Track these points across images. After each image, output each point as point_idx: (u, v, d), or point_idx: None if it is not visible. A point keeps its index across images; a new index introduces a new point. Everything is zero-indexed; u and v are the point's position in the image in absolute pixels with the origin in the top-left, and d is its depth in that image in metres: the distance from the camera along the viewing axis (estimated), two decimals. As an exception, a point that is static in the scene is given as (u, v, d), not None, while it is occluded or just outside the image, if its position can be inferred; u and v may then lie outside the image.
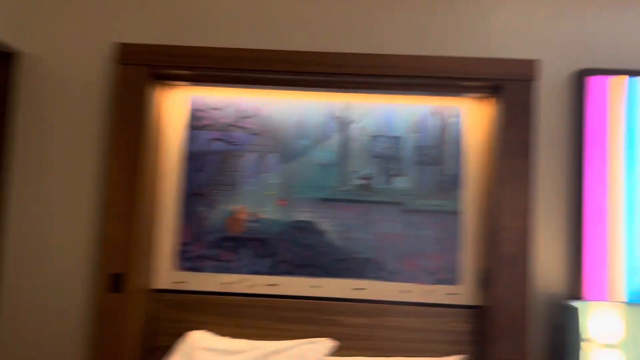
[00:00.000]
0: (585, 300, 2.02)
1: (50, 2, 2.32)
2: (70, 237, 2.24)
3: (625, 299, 2.01)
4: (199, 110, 2.33)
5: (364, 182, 2.24)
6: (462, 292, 2.17)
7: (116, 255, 2.11)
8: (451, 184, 2.23)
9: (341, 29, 2.26)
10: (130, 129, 2.17)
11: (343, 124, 2.27)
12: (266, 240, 2.22)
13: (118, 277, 2.09)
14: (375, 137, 2.25)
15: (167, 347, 2.14)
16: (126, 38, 2.25)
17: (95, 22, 2.30)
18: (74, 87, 2.29)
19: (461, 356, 2.07)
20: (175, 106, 2.35)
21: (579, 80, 2.14)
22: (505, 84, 2.09)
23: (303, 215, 2.22)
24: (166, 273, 2.28)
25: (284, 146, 2.26)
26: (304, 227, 2.22)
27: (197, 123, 2.32)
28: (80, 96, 2.30)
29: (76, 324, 2.20)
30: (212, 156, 2.31)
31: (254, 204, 2.25)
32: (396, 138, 2.26)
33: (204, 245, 2.27)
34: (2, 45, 2.18)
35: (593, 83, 2.11)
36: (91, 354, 2.13)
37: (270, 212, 2.22)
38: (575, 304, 1.95)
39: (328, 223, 2.22)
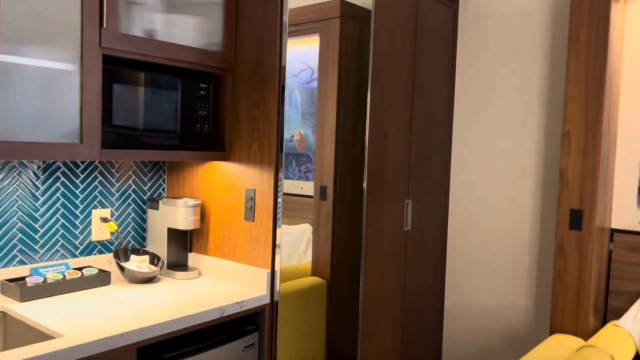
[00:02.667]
0: None
1: None
2: (520, 170, 2.25)
3: None
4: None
5: None
6: None
7: (576, 191, 1.96)
8: None
9: None
10: (589, 51, 1.92)
11: None
12: None
13: (577, 214, 1.94)
14: None
15: (626, 292, 1.93)
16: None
17: None
18: (511, 10, 2.24)
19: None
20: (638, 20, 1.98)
21: None
22: None
23: None
24: (628, 211, 2.03)
25: None
26: None
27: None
28: (521, 19, 2.22)
29: (531, 256, 2.22)
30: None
31: None
32: None
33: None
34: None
35: None
36: (547, 287, 2.10)
37: None
38: None
39: None
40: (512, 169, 2.42)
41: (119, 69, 1.62)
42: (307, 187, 2.71)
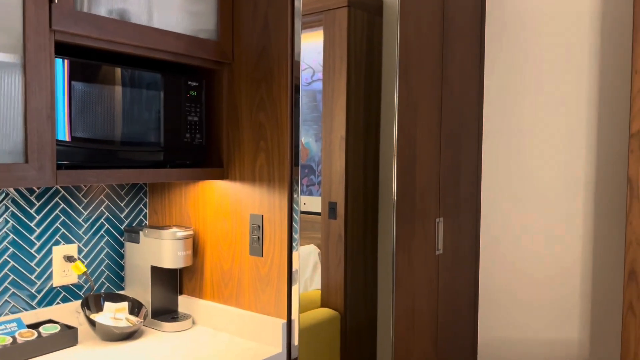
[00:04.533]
0: None
1: None
2: (566, 178, 1.90)
3: None
4: None
5: None
6: None
7: None
8: None
9: None
10: None
11: None
12: None
13: None
14: None
15: None
16: None
17: None
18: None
19: None
20: None
21: None
22: None
23: None
24: None
25: None
26: None
27: None
28: (562, 12, 1.89)
29: (583, 280, 1.85)
30: None
31: None
32: None
33: None
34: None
35: None
36: (605, 317, 1.73)
37: None
38: None
39: None
40: (555, 178, 2.06)
41: (80, 61, 1.21)
42: (311, 203, 2.34)
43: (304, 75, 2.38)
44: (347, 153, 2.10)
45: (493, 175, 2.24)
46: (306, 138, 2.37)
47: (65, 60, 1.18)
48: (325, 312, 2.14)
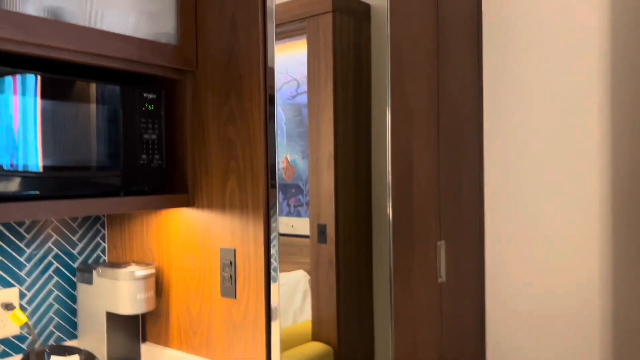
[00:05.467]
0: None
1: None
2: (573, 196, 1.70)
3: None
4: None
5: None
6: None
7: None
8: None
9: None
10: None
11: None
12: None
13: None
14: None
15: None
16: None
17: None
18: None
19: None
20: None
21: None
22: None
23: None
24: None
25: None
26: None
27: None
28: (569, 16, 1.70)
29: (603, 301, 1.64)
30: None
31: None
32: None
33: None
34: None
35: None
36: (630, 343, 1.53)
37: None
38: None
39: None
40: (567, 191, 1.85)
41: (6, 69, 1.00)
42: (299, 225, 2.14)
43: (288, 89, 2.19)
44: (337, 170, 1.90)
45: (497, 190, 2.03)
46: (292, 155, 2.17)
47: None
48: (316, 347, 1.92)
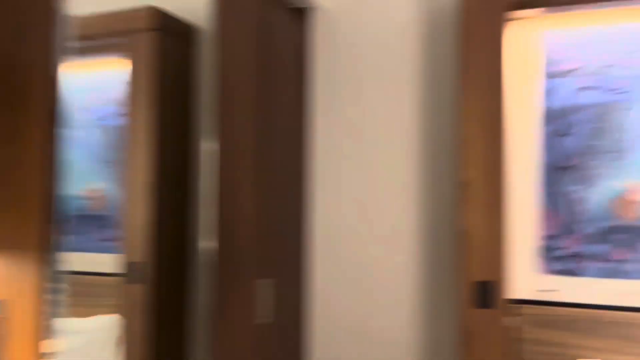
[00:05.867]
0: None
1: None
2: (392, 230, 1.79)
3: None
4: (558, 49, 1.74)
5: None
6: None
7: (480, 258, 1.56)
8: None
9: None
10: (481, 83, 1.59)
11: None
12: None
13: (485, 287, 1.53)
14: None
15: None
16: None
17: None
18: (380, 40, 1.84)
19: None
20: (522, 47, 1.77)
21: None
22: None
23: None
24: (528, 278, 1.71)
25: None
26: None
27: (556, 68, 1.72)
28: (390, 50, 1.83)
29: (408, 347, 1.74)
30: (583, 112, 1.70)
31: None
32: None
33: (579, 238, 1.67)
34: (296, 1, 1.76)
35: None
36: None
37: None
38: None
39: None
40: (382, 233, 1.91)
41: None
42: (108, 262, 1.92)
43: (103, 109, 1.98)
44: (155, 202, 1.74)
45: (324, 226, 2.04)
46: (106, 183, 1.95)
47: None
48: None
